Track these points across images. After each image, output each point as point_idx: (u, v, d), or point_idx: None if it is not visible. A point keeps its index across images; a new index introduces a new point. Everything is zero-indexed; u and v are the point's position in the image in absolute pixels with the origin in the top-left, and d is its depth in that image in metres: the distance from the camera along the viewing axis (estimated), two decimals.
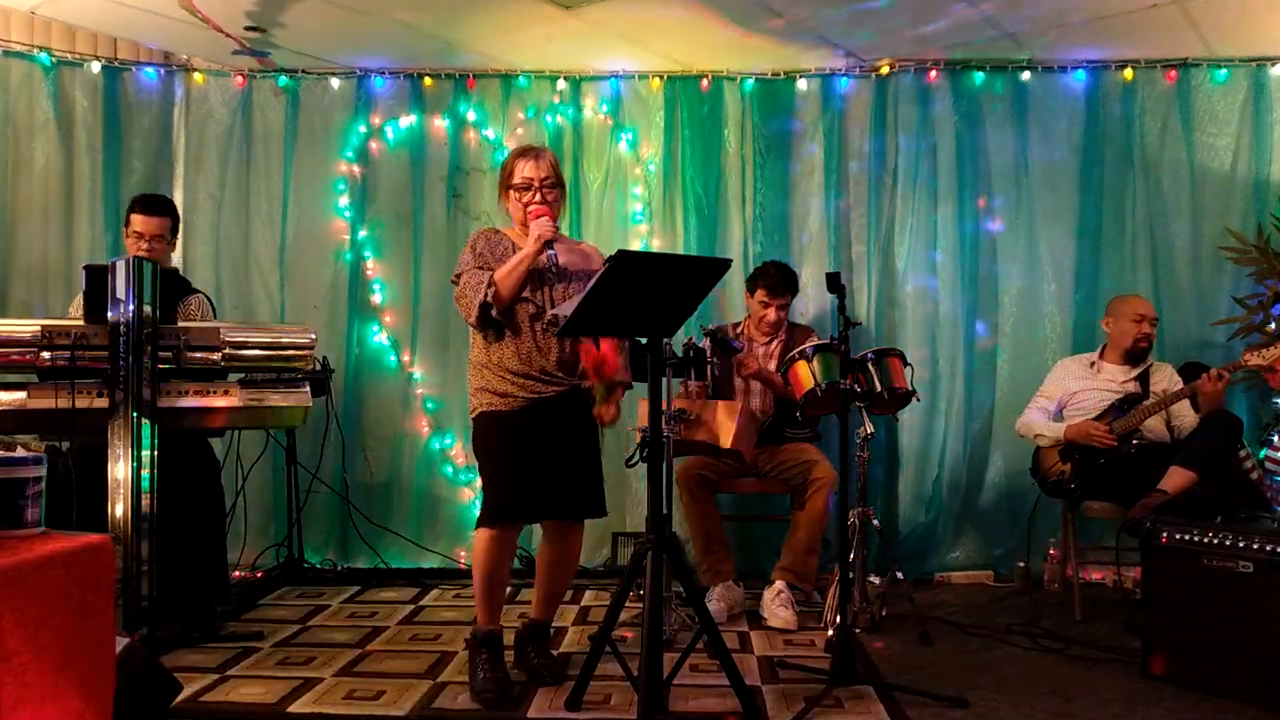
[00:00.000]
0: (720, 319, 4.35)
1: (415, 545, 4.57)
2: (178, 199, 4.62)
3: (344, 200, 4.68)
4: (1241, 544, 2.82)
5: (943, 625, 3.61)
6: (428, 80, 4.66)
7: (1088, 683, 2.99)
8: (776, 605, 3.61)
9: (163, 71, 4.63)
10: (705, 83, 4.60)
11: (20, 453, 1.89)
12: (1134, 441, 3.67)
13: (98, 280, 2.94)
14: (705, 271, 2.72)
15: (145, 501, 2.96)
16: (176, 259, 4.58)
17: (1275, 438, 3.88)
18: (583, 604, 3.96)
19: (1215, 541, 2.88)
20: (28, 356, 2.89)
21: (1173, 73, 4.41)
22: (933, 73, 4.51)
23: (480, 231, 3.07)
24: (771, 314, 4.00)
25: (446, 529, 4.60)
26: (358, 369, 4.67)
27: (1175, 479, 3.47)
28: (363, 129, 4.67)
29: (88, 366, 2.93)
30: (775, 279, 3.99)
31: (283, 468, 4.42)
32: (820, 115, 4.58)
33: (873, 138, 4.53)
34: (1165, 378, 3.85)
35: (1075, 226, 4.45)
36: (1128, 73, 4.43)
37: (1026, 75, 4.47)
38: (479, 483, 3.37)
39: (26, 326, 2.90)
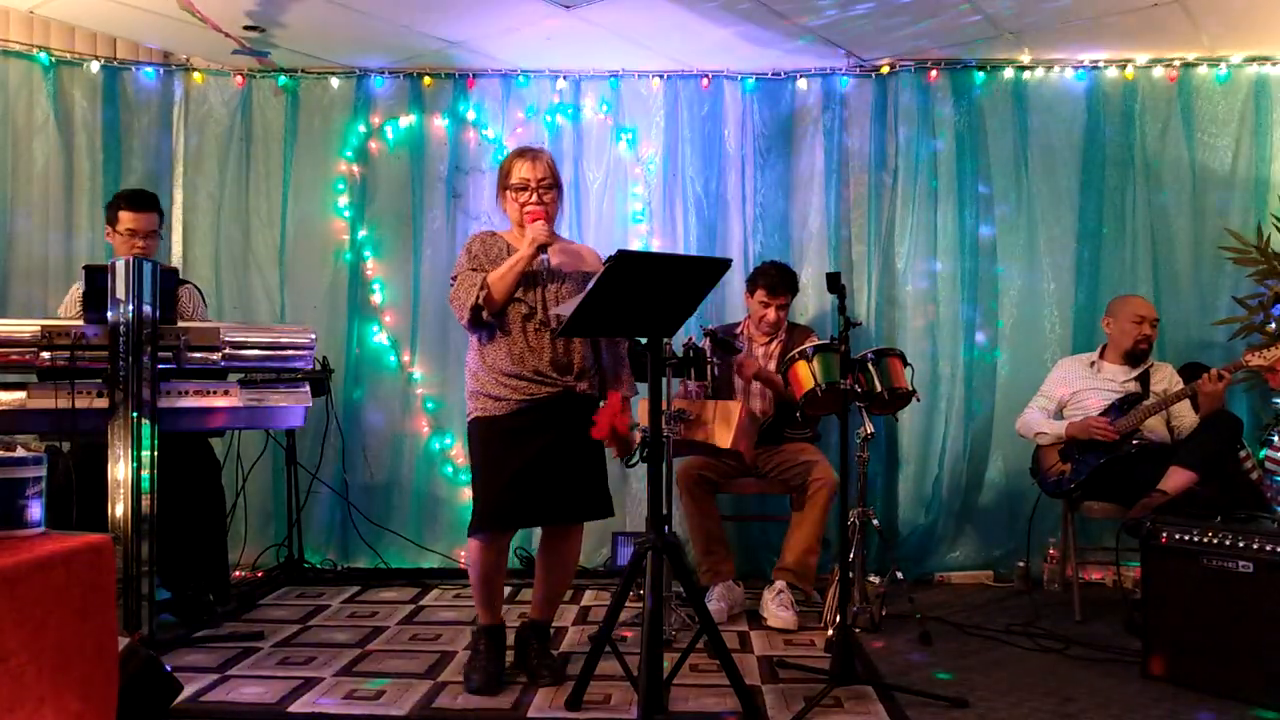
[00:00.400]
0: (720, 319, 4.34)
1: (415, 545, 4.57)
2: (177, 199, 4.63)
3: (344, 200, 4.68)
4: (1241, 544, 2.82)
5: (943, 625, 3.61)
6: (427, 80, 4.66)
7: (1087, 683, 2.99)
8: (776, 605, 3.61)
9: (162, 71, 4.62)
10: (705, 82, 4.60)
11: (20, 453, 1.89)
12: (1134, 441, 3.67)
13: (97, 280, 2.94)
14: (705, 271, 2.72)
15: (145, 502, 2.96)
16: (176, 259, 4.59)
17: (1275, 438, 3.88)
18: (583, 604, 3.96)
19: (1215, 541, 2.88)
20: (28, 356, 2.89)
21: (1173, 73, 4.41)
22: (933, 72, 4.51)
23: (476, 234, 3.08)
24: (771, 314, 4.00)
25: (446, 529, 4.59)
26: (357, 369, 4.66)
27: (1175, 479, 3.47)
28: (362, 129, 4.67)
29: (88, 366, 2.93)
30: (775, 279, 3.99)
31: (283, 468, 4.41)
32: (820, 115, 4.57)
33: (873, 137, 4.53)
34: (1165, 378, 3.85)
35: (1075, 226, 4.45)
36: (1128, 73, 4.43)
37: (1027, 75, 4.47)
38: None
39: (26, 326, 2.90)
